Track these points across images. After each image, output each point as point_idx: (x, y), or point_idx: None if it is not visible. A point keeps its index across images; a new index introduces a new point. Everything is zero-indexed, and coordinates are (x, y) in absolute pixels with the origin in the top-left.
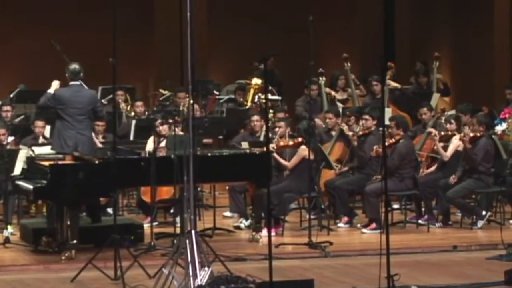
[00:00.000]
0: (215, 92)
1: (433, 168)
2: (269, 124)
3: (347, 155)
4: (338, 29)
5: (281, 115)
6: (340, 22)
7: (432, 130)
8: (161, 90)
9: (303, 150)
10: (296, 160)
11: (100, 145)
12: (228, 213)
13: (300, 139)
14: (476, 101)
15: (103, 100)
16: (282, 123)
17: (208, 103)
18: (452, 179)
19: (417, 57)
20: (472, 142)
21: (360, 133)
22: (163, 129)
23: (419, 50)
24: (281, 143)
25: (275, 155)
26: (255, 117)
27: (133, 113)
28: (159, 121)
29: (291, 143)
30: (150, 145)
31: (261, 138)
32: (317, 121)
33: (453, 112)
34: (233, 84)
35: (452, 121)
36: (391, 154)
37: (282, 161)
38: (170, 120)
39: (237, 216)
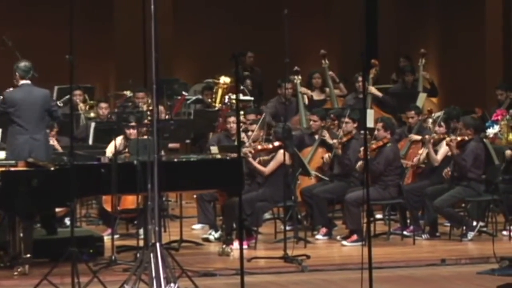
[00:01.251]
0: (183, 93)
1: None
2: (242, 127)
3: (329, 161)
4: (315, 23)
5: (251, 117)
6: (318, 15)
7: (416, 137)
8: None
9: (281, 155)
10: (274, 166)
11: (60, 149)
12: (196, 225)
13: (278, 143)
14: (466, 102)
15: (58, 102)
16: (255, 126)
17: (176, 105)
18: (446, 172)
19: (402, 54)
20: (460, 147)
21: (344, 139)
22: (133, 133)
23: (404, 46)
24: (259, 147)
25: (251, 160)
26: (232, 119)
27: (92, 114)
28: (133, 123)
29: (270, 146)
30: (111, 149)
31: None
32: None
33: (440, 113)
34: (201, 83)
35: (442, 123)
36: (375, 158)
37: (259, 166)
38: (134, 123)
39: (206, 228)
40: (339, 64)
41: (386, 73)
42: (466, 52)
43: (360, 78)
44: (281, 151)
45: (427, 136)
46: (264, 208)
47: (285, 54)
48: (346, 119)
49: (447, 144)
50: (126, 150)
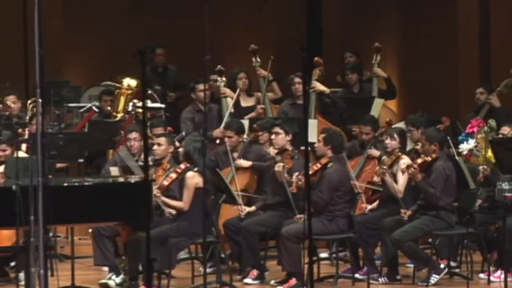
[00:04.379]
0: (94, 107)
1: (375, 204)
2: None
3: (255, 184)
4: (244, 11)
5: (159, 130)
6: (248, 2)
7: (375, 152)
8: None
9: (191, 178)
10: (190, 195)
11: None
12: (94, 266)
13: (182, 166)
14: (434, 109)
15: None
16: (162, 140)
17: (81, 121)
18: (403, 213)
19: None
20: (425, 170)
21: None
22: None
23: (355, 40)
24: (165, 183)
25: (163, 199)
26: (134, 135)
27: None
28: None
29: (173, 175)
30: None
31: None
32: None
33: (401, 125)
34: (98, 86)
35: (395, 135)
36: (317, 184)
37: (174, 203)
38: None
39: (105, 270)
40: (273, 63)
41: (333, 74)
42: (434, 47)
43: (297, 80)
44: (190, 173)
45: (374, 152)
46: (178, 245)
47: (205, 49)
48: (277, 129)
49: (410, 176)
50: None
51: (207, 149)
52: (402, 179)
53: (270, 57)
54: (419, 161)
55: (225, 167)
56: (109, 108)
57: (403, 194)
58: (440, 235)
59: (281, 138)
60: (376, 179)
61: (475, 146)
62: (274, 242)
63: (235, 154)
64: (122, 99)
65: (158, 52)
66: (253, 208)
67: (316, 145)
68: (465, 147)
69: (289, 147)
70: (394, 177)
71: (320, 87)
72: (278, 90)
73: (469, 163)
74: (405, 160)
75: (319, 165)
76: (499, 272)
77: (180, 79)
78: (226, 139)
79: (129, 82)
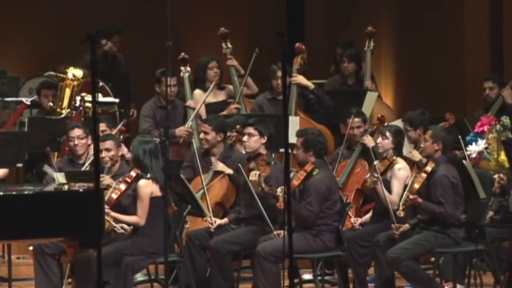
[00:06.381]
0: (24, 100)
1: (368, 215)
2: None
3: (233, 197)
4: None
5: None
6: None
7: (371, 141)
8: None
9: (144, 187)
10: (145, 207)
11: None
12: None
13: (133, 173)
14: (437, 105)
15: None
16: (110, 144)
17: (12, 115)
18: (395, 228)
19: (340, 36)
20: (427, 179)
21: (256, 168)
22: None
23: (343, 24)
24: (113, 196)
25: (113, 214)
26: (77, 132)
27: None
28: None
29: (123, 186)
30: None
31: (87, 166)
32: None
33: (397, 123)
34: (39, 77)
35: (388, 134)
36: (302, 196)
37: (127, 218)
38: None
39: None
40: (247, 49)
41: (317, 62)
42: (437, 30)
43: (280, 73)
44: (142, 182)
45: (376, 163)
46: (135, 265)
47: (167, 34)
48: (250, 129)
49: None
50: None
51: (169, 151)
52: (396, 187)
53: (255, 50)
54: (423, 175)
55: (204, 173)
56: (50, 104)
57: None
58: (444, 252)
59: (255, 140)
60: (367, 184)
61: (486, 148)
62: (248, 262)
63: (212, 158)
64: (67, 93)
65: (115, 39)
66: (225, 220)
67: (295, 151)
68: (474, 149)
69: (263, 151)
70: (388, 185)
71: (303, 81)
72: (253, 86)
73: (478, 168)
74: (400, 165)
75: (304, 173)
76: None
77: (129, 69)
78: (202, 135)
79: (75, 72)
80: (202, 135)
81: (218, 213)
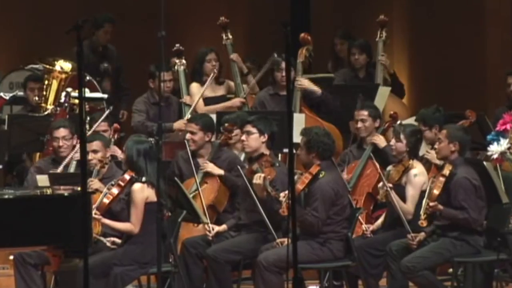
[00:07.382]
0: (2, 95)
1: (379, 221)
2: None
3: (226, 200)
4: None
5: (101, 127)
6: None
7: (381, 140)
8: None
9: (139, 192)
10: (139, 213)
11: None
12: None
13: (126, 176)
14: (454, 102)
15: None
16: (97, 145)
17: None
18: (411, 238)
19: (349, 25)
20: (446, 183)
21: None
22: None
23: (351, 13)
24: (105, 200)
25: (105, 221)
26: (62, 132)
27: None
28: None
29: (116, 191)
30: None
31: (72, 168)
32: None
33: (411, 121)
34: (22, 71)
35: (402, 136)
36: (307, 201)
37: (120, 226)
38: None
39: None
40: (248, 40)
41: (324, 55)
42: (453, 21)
43: (281, 62)
44: (136, 186)
45: (389, 169)
46: (125, 276)
47: (160, 24)
48: (249, 127)
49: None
50: None
51: (162, 152)
52: (411, 195)
53: (273, 55)
54: (442, 179)
55: (191, 176)
56: (36, 98)
57: (414, 212)
58: (463, 262)
59: (254, 138)
60: (379, 197)
61: (509, 148)
62: (249, 273)
63: (200, 160)
64: (54, 86)
65: (106, 28)
66: (223, 227)
67: (298, 152)
68: (495, 149)
69: (266, 151)
70: (403, 191)
71: (309, 86)
72: (257, 89)
73: (501, 170)
74: (416, 170)
75: (309, 176)
76: None
77: (121, 61)
78: (188, 135)
79: (63, 65)
80: (188, 136)
81: (211, 217)
